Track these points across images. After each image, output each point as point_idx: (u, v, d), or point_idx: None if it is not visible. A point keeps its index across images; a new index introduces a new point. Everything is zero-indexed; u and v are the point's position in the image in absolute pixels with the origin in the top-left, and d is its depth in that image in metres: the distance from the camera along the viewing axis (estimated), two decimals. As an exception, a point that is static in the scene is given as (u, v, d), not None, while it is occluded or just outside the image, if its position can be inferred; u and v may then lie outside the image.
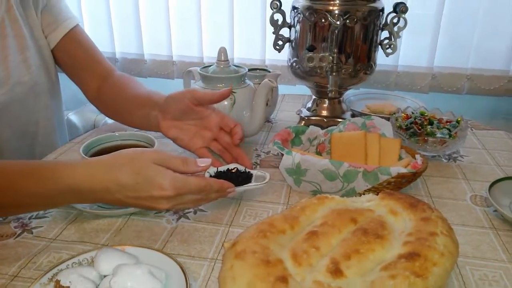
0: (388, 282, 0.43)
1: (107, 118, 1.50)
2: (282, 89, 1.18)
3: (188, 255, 0.56)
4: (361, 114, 1.01)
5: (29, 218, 0.63)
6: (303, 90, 1.30)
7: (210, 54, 1.39)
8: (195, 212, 0.66)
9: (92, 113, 1.52)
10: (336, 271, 0.46)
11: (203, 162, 0.59)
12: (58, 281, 0.47)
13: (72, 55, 0.91)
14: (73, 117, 1.46)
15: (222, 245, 0.57)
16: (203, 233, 0.61)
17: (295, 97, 1.24)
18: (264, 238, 0.50)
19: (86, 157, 0.64)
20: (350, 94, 1.15)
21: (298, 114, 1.05)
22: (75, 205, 0.64)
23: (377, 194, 0.60)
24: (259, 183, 0.67)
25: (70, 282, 0.47)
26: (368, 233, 0.51)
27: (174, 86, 1.41)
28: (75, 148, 0.87)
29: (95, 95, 0.91)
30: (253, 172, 0.70)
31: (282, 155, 0.72)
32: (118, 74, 0.93)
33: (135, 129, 0.86)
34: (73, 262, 0.51)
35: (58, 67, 0.94)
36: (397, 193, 0.60)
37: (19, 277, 0.52)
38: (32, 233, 0.60)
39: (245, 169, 0.71)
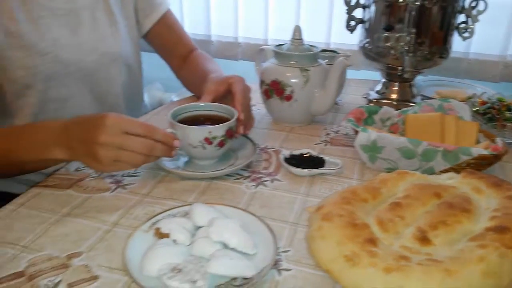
0: (478, 251, 0.44)
1: (173, 96, 1.57)
2: (347, 73, 1.18)
3: (270, 218, 0.59)
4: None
5: (122, 176, 0.68)
6: (368, 75, 1.29)
7: (274, 37, 1.41)
8: (272, 181, 0.69)
9: (158, 91, 1.58)
10: (423, 238, 0.47)
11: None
12: (158, 229, 0.52)
13: (162, 38, 0.99)
14: (145, 95, 1.53)
15: (305, 209, 0.60)
16: (282, 200, 0.64)
17: (360, 81, 1.23)
18: (348, 204, 0.52)
19: (174, 121, 0.68)
20: (419, 80, 1.13)
21: (365, 97, 1.05)
22: (163, 166, 0.68)
23: (458, 173, 0.60)
24: (332, 168, 0.69)
25: (170, 229, 0.51)
26: (454, 206, 0.51)
27: (239, 67, 1.44)
28: None
29: (178, 71, 0.99)
30: (326, 158, 0.72)
31: (356, 132, 0.73)
32: (197, 53, 1.00)
33: None
34: (168, 214, 0.56)
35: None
36: (479, 172, 0.60)
37: (119, 225, 0.57)
38: (125, 188, 0.65)
39: (317, 154, 0.73)
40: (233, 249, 0.49)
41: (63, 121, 0.62)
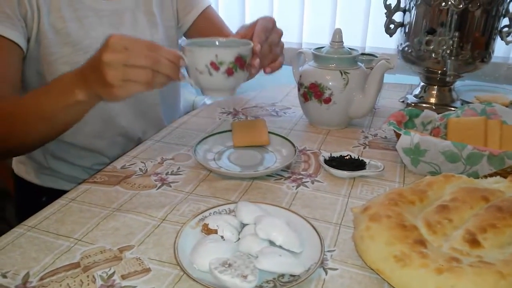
0: (532, 255, 0.43)
1: (206, 99, 1.60)
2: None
3: (313, 218, 0.59)
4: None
5: (166, 174, 0.70)
6: (403, 79, 1.28)
7: (309, 40, 1.41)
8: (312, 182, 0.69)
9: (191, 94, 1.61)
10: (473, 241, 0.47)
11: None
12: (206, 225, 0.53)
13: (203, 32, 1.00)
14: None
15: (351, 209, 0.60)
16: (323, 201, 0.64)
17: (396, 85, 1.22)
18: (396, 206, 0.52)
19: (183, 45, 0.66)
20: (457, 84, 1.11)
21: (403, 101, 1.05)
22: (206, 165, 0.70)
23: (504, 178, 0.59)
24: (374, 171, 0.69)
25: (217, 226, 0.52)
26: (503, 210, 0.51)
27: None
28: (176, 131, 0.90)
29: None
30: (366, 160, 0.72)
31: (397, 135, 0.73)
32: None
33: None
34: (215, 211, 0.57)
35: None
36: (528, 177, 0.58)
37: (166, 220, 0.58)
38: (170, 186, 0.67)
39: (358, 157, 0.73)
40: (279, 247, 0.50)
41: (80, 66, 0.64)
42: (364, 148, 0.82)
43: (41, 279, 0.48)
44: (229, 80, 0.65)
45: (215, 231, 0.52)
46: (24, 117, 0.69)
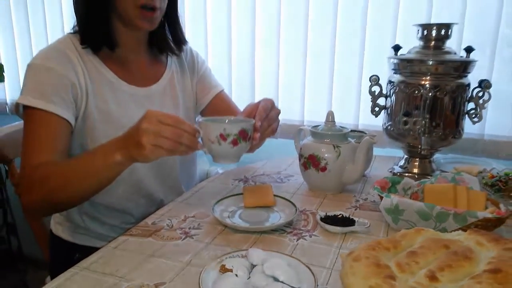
0: (475, 286, 0.57)
1: (218, 168, 1.77)
2: (374, 151, 1.35)
3: (310, 263, 0.73)
4: (449, 174, 1.14)
5: (189, 228, 0.85)
6: (392, 152, 1.45)
7: (309, 119, 1.62)
8: (310, 236, 0.83)
9: (205, 163, 1.79)
10: (432, 277, 0.60)
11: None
12: (223, 265, 0.67)
13: (216, 110, 1.20)
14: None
15: (340, 255, 0.73)
16: (319, 251, 0.78)
17: (386, 158, 1.39)
18: (373, 250, 0.66)
19: (200, 119, 0.85)
20: (439, 157, 1.28)
21: (391, 171, 1.21)
22: (222, 221, 0.85)
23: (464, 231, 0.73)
24: (362, 227, 0.84)
25: (232, 266, 0.66)
26: (458, 254, 0.64)
27: (278, 144, 1.64)
28: (196, 194, 1.09)
29: None
30: (356, 218, 0.87)
31: (381, 198, 0.88)
32: None
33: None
34: (230, 256, 0.71)
35: None
36: (482, 230, 0.72)
37: (190, 264, 0.72)
38: (193, 238, 0.81)
39: (349, 215, 0.88)
40: (282, 282, 0.63)
41: (121, 135, 0.83)
42: (355, 210, 0.97)
43: (96, 304, 0.61)
44: (234, 149, 0.82)
45: (231, 270, 0.66)
46: (72, 174, 0.86)
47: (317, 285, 0.63)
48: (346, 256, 0.67)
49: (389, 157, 1.40)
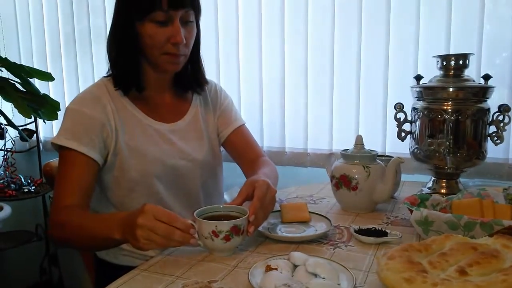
0: (501, 276, 0.62)
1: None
2: (402, 177, 1.41)
3: (347, 267, 0.79)
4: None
5: (233, 239, 0.93)
6: (420, 178, 1.51)
7: (337, 147, 1.70)
8: (345, 246, 0.90)
9: (236, 193, 1.87)
10: (462, 271, 0.66)
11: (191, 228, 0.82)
12: (269, 265, 0.75)
13: (235, 144, 1.26)
14: (225, 196, 1.82)
15: (376, 257, 0.80)
16: (355, 258, 0.84)
17: (414, 183, 1.45)
18: (406, 251, 0.73)
19: (195, 216, 0.87)
20: (467, 181, 1.33)
21: (419, 193, 1.26)
22: (264, 232, 0.92)
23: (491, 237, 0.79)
24: (394, 237, 0.90)
25: (277, 265, 0.74)
26: (486, 254, 0.70)
27: (308, 172, 1.73)
28: None
29: (246, 173, 1.22)
30: (388, 231, 0.93)
31: (411, 213, 0.94)
32: (262, 159, 1.24)
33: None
34: (274, 258, 0.78)
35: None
36: (507, 235, 0.78)
37: (238, 267, 0.80)
38: (237, 248, 0.89)
39: (381, 228, 0.94)
40: (323, 279, 0.70)
41: (124, 213, 0.88)
42: (387, 225, 1.03)
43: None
44: (227, 244, 0.83)
45: (276, 269, 0.73)
46: (82, 232, 0.95)
47: (355, 284, 0.70)
48: (381, 257, 0.73)
49: (417, 182, 1.45)
